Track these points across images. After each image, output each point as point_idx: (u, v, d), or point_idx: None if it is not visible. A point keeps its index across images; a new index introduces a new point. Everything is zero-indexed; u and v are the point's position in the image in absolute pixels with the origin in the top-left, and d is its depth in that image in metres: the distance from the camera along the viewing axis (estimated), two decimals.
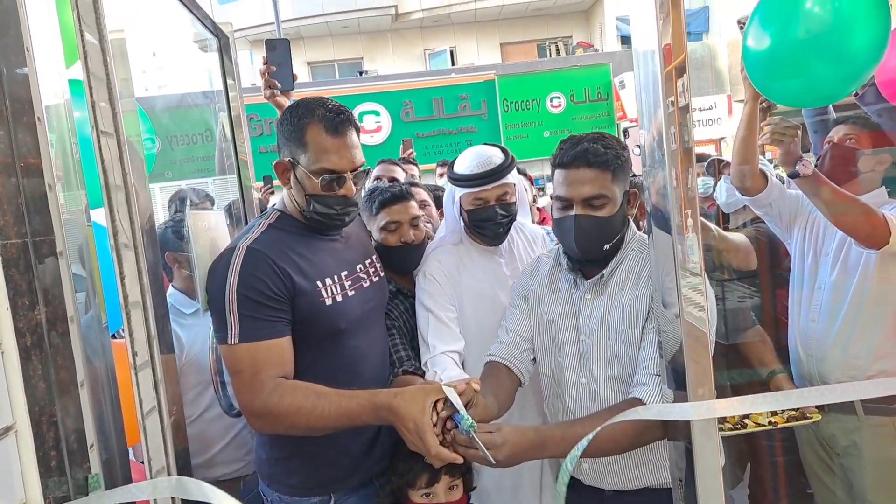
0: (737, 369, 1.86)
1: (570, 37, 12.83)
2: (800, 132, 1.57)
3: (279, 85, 1.66)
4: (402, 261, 1.65)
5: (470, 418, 1.12)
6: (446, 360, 1.50)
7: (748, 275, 2.05)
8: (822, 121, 1.87)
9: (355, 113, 8.25)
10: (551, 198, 1.41)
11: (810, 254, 1.75)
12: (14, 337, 0.91)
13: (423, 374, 1.51)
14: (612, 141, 1.31)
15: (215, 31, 1.67)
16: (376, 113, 11.28)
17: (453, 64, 12.51)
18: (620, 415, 1.10)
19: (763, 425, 1.61)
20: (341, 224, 1.39)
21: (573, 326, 1.37)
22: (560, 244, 1.41)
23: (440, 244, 1.70)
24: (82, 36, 1.01)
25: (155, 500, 0.97)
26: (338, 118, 1.28)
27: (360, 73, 12.36)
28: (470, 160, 1.60)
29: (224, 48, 1.71)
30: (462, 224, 1.67)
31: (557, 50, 12.50)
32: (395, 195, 1.65)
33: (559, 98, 11.60)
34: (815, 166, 1.63)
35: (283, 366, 1.23)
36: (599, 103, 11.54)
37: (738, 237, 1.98)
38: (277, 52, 1.63)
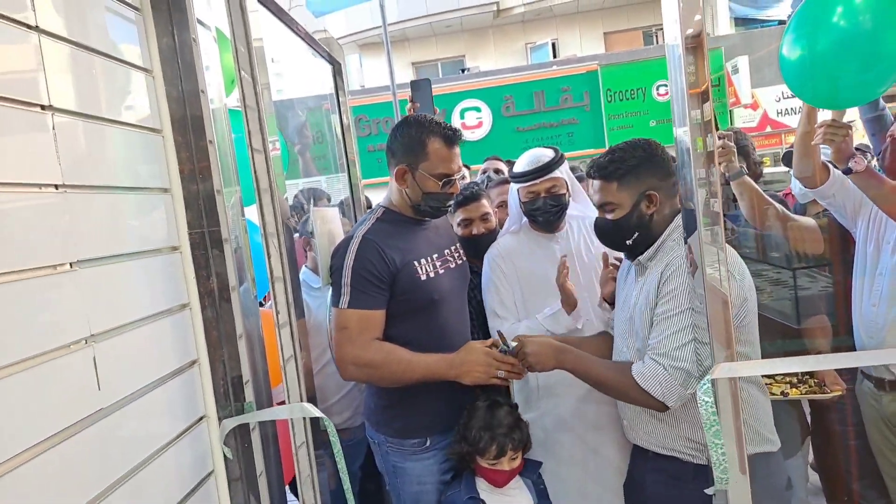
0: (793, 352, 1.97)
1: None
2: (852, 132, 1.68)
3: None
4: (474, 249, 1.96)
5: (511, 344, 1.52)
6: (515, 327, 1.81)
7: (821, 263, 2.14)
8: (878, 117, 1.93)
9: (457, 110, 8.70)
10: None
11: (872, 242, 1.83)
12: (198, 298, 1.29)
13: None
14: (627, 151, 1.49)
15: (330, 59, 2.03)
16: (477, 109, 11.57)
17: (555, 56, 12.55)
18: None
19: (776, 395, 1.73)
20: (444, 213, 1.74)
21: (624, 296, 1.59)
22: None
23: (504, 233, 1.98)
24: (240, 74, 1.37)
25: (291, 419, 1.33)
26: (454, 134, 1.61)
27: (463, 71, 12.71)
28: (524, 160, 1.90)
29: (337, 72, 2.08)
30: (522, 214, 1.94)
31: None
32: (466, 197, 1.98)
33: (667, 86, 11.23)
34: (878, 160, 1.72)
35: (377, 331, 1.56)
36: (711, 89, 11.18)
37: (806, 221, 2.07)
38: (420, 91, 2.03)
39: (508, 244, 1.92)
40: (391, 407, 1.71)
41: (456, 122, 11.51)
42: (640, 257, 1.52)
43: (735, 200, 2.20)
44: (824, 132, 1.68)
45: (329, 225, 1.80)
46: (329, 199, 2.54)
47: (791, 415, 1.97)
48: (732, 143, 2.10)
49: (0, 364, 0.80)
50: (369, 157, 11.21)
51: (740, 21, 11.91)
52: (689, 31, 1.25)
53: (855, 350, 1.92)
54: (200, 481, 1.24)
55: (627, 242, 1.51)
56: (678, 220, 1.54)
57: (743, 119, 10.85)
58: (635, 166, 1.47)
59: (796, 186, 2.19)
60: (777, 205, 2.11)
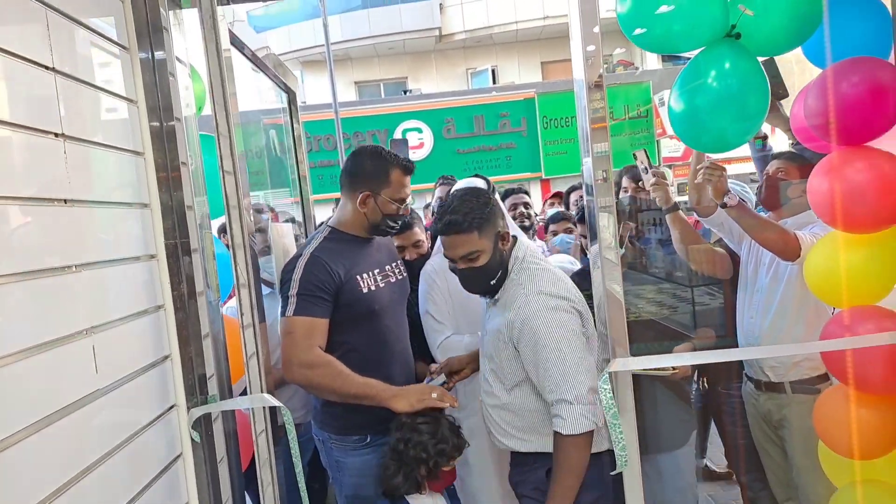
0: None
1: (611, 55, 13.23)
2: (725, 173, 2.04)
3: None
4: (409, 271, 2.16)
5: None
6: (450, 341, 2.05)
7: (714, 281, 2.50)
8: (763, 157, 2.32)
9: (399, 130, 8.97)
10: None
11: (752, 263, 2.19)
12: (171, 301, 1.48)
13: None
14: (472, 203, 1.61)
15: (286, 88, 2.26)
16: (419, 130, 11.90)
17: (494, 83, 13.08)
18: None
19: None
20: (395, 232, 1.99)
21: (483, 324, 1.78)
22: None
23: (437, 252, 2.16)
24: (214, 107, 1.58)
25: (252, 409, 1.52)
26: (411, 165, 1.86)
27: (405, 92, 13.03)
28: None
29: (292, 100, 2.30)
30: None
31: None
32: (401, 226, 2.17)
33: None
34: (756, 194, 2.09)
35: (321, 339, 1.73)
36: (639, 120, 11.92)
37: (720, 251, 2.41)
38: (400, 147, 2.23)
39: (440, 263, 2.11)
40: (332, 405, 1.90)
41: None
42: (497, 294, 1.67)
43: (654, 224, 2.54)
44: (703, 173, 2.04)
45: (284, 239, 2.01)
46: (276, 215, 2.73)
47: (679, 412, 2.28)
48: (666, 179, 2.38)
49: (20, 347, 0.98)
50: (310, 173, 11.32)
51: (667, 57, 12.77)
52: (591, 74, 1.56)
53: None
54: (171, 462, 1.42)
55: (492, 283, 1.65)
56: (515, 249, 1.69)
57: (669, 149, 11.64)
58: (487, 212, 1.62)
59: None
60: (700, 237, 2.42)
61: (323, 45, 11.39)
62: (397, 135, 11.82)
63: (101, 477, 1.14)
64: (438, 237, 1.95)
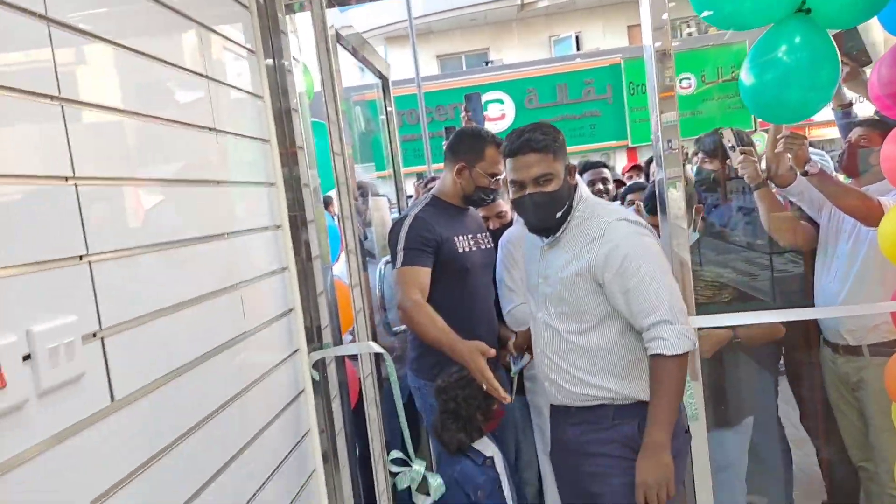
0: None
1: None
2: (806, 141, 2.09)
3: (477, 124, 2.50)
4: (493, 239, 2.36)
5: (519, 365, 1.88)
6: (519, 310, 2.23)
7: (795, 249, 2.56)
8: (847, 124, 2.33)
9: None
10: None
11: (832, 231, 2.25)
12: (293, 263, 1.78)
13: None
14: (548, 129, 1.64)
15: (380, 75, 2.51)
16: (500, 101, 11.97)
17: (578, 49, 12.87)
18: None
19: None
20: (488, 203, 2.22)
21: (537, 273, 1.73)
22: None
23: (516, 222, 2.33)
24: (325, 98, 1.85)
25: (360, 354, 1.81)
26: (504, 144, 2.06)
27: (486, 63, 13.08)
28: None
29: (385, 86, 2.55)
30: None
31: (689, 30, 12.41)
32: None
33: (689, 79, 11.43)
34: (836, 162, 2.14)
35: (425, 285, 1.98)
36: (732, 83, 11.40)
37: (807, 225, 2.42)
38: (472, 103, 2.47)
39: (516, 232, 2.31)
40: (428, 355, 2.17)
41: None
42: (558, 233, 1.65)
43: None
44: (784, 143, 2.11)
45: (381, 212, 2.29)
46: (377, 191, 3.04)
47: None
48: (754, 156, 2.30)
49: (195, 295, 1.28)
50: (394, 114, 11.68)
51: None
52: (658, 44, 1.70)
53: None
54: (296, 396, 1.73)
55: (557, 215, 1.61)
56: (579, 189, 1.69)
57: None
58: (560, 140, 1.64)
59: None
60: (788, 213, 2.45)
61: (405, 21, 11.63)
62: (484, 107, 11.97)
63: (245, 403, 1.44)
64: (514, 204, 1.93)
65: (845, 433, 2.41)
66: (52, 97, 0.94)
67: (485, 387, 1.72)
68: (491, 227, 2.48)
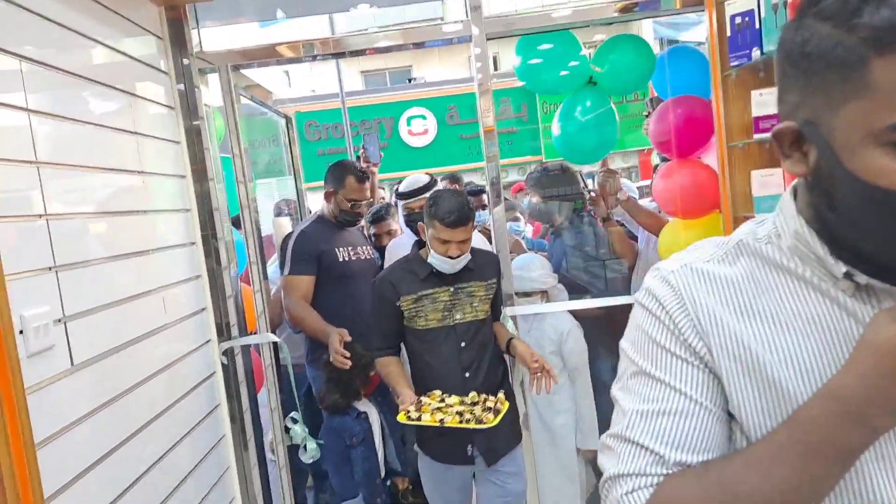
0: None
1: None
2: (618, 176, 2.79)
3: (371, 160, 3.04)
4: (383, 254, 2.95)
5: None
6: None
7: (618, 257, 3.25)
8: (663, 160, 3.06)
9: (403, 117, 9.94)
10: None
11: (644, 241, 2.95)
12: (205, 272, 2.27)
13: None
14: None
15: (281, 114, 3.03)
16: (423, 117, 12.60)
17: (496, 69, 13.68)
18: None
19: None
20: (354, 224, 2.76)
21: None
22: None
23: (400, 238, 2.95)
24: (231, 139, 2.36)
25: (261, 345, 2.32)
26: (363, 175, 2.62)
27: (409, 80, 13.71)
28: (406, 183, 2.87)
29: (289, 124, 3.08)
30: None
31: None
32: (376, 218, 2.98)
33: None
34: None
35: (308, 291, 2.56)
36: (637, 103, 12.51)
37: (632, 242, 3.13)
38: (368, 140, 3.01)
39: (401, 241, 2.89)
40: (318, 349, 2.70)
41: (403, 129, 12.54)
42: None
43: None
44: (602, 177, 2.78)
45: (282, 229, 2.81)
46: (280, 212, 3.55)
47: None
48: (600, 195, 3.03)
49: (129, 294, 1.76)
50: (319, 161, 12.10)
51: (665, 42, 13.28)
52: (480, 78, 2.32)
53: None
54: (208, 377, 2.22)
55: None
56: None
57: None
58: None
59: None
60: (620, 229, 3.15)
61: (329, 37, 12.02)
62: (402, 122, 12.57)
63: (168, 377, 1.93)
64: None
65: None
66: (30, 162, 1.43)
67: (331, 358, 2.32)
68: (382, 242, 3.04)
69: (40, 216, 1.44)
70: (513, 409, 2.19)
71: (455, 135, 12.65)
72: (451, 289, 2.17)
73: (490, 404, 1.99)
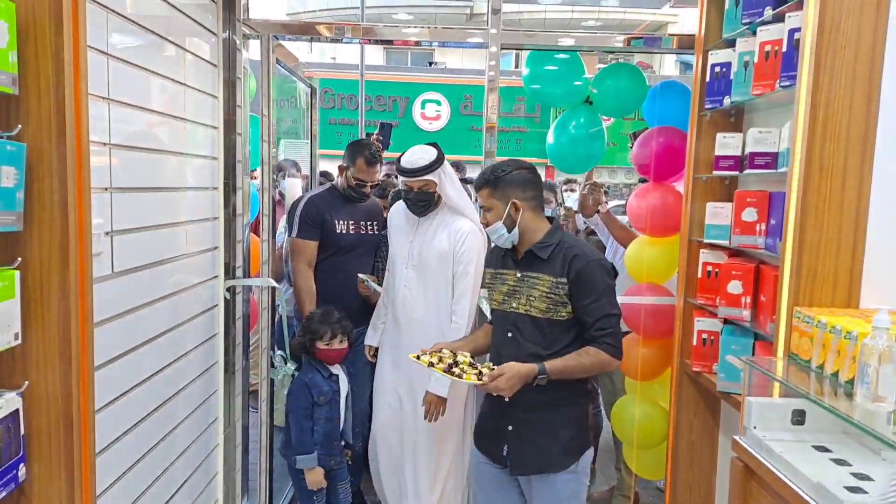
0: None
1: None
2: (602, 188, 3.12)
3: (381, 146, 3.30)
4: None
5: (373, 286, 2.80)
6: None
7: None
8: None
9: (419, 100, 10.35)
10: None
11: (611, 251, 3.28)
12: (222, 216, 2.59)
13: None
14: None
15: (308, 84, 3.34)
16: (438, 102, 12.89)
17: (516, 67, 13.95)
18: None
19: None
20: (361, 201, 3.03)
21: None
22: None
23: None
24: (262, 104, 2.67)
25: (261, 287, 2.65)
26: (373, 158, 2.91)
27: (430, 64, 13.95)
28: (407, 155, 2.63)
29: (313, 93, 3.38)
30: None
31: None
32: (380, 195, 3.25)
33: None
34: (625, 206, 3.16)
35: (311, 255, 2.88)
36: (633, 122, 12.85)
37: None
38: (384, 129, 3.27)
39: (401, 206, 2.82)
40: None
41: (416, 111, 12.82)
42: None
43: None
44: (587, 187, 3.11)
45: (293, 189, 3.13)
46: (298, 168, 3.85)
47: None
48: (569, 212, 3.37)
49: (161, 222, 2.08)
50: (330, 129, 12.36)
51: (685, 65, 13.59)
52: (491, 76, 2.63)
53: None
54: (211, 307, 2.54)
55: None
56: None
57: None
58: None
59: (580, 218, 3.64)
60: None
61: (357, 8, 12.29)
62: (417, 104, 12.85)
63: (182, 299, 2.25)
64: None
65: (605, 393, 3.46)
66: (104, 98, 1.74)
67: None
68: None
69: (104, 144, 1.75)
70: (558, 435, 2.05)
71: (467, 125, 12.93)
72: (519, 274, 2.09)
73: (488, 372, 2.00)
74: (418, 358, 2.12)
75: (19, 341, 1.29)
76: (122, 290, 1.85)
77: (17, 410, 1.30)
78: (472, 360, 2.13)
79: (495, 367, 2.01)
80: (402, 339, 2.73)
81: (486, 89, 2.71)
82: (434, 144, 2.67)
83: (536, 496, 2.08)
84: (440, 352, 2.15)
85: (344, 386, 2.75)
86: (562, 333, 2.04)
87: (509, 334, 2.10)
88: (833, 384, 1.60)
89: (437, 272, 2.67)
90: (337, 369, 2.74)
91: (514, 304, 2.09)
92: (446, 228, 2.67)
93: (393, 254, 2.83)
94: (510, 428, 2.09)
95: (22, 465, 1.32)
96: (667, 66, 13.73)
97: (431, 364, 2.07)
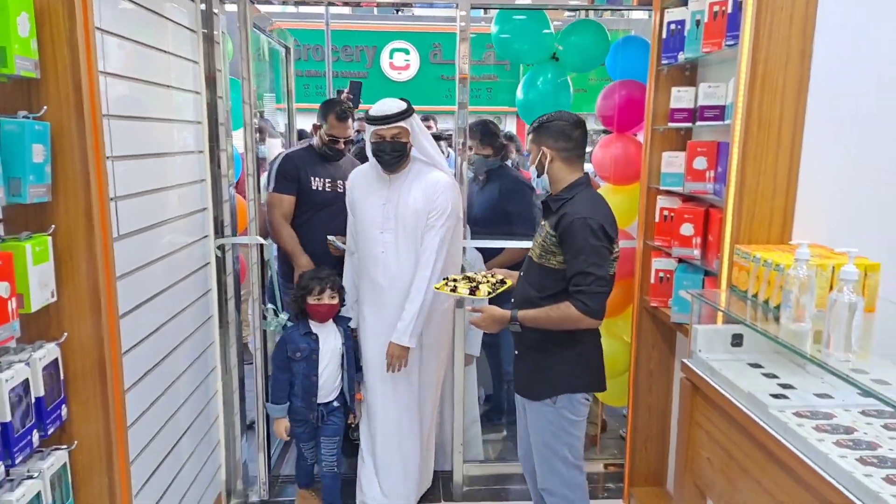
0: None
1: None
2: None
3: (351, 105, 3.37)
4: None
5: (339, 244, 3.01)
6: None
7: None
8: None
9: (386, 49, 10.31)
10: None
11: None
12: (209, 177, 2.74)
13: None
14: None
15: (282, 44, 3.43)
16: (406, 51, 12.80)
17: (486, 13, 13.83)
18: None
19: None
20: (335, 158, 3.15)
21: None
22: None
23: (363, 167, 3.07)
24: (241, 67, 2.79)
25: (249, 245, 2.83)
26: (343, 113, 3.04)
27: (397, 11, 13.74)
28: (377, 106, 2.62)
29: (287, 52, 3.48)
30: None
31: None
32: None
33: None
34: None
35: (288, 209, 3.04)
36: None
37: None
38: (353, 87, 3.35)
39: (362, 170, 2.83)
40: (286, 264, 3.20)
41: (385, 61, 12.73)
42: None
43: None
44: None
45: (275, 149, 3.27)
46: (273, 127, 3.97)
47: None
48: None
49: (155, 186, 2.23)
50: (297, 82, 12.24)
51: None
52: (462, 26, 2.80)
53: None
54: (203, 265, 2.72)
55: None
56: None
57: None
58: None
59: None
60: None
61: None
62: (385, 53, 12.75)
63: (177, 259, 2.43)
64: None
65: None
66: (102, 72, 1.87)
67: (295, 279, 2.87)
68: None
69: (104, 116, 1.89)
70: (541, 369, 2.25)
71: (437, 74, 12.88)
72: (545, 222, 2.24)
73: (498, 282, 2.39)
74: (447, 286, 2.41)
75: (55, 298, 1.47)
76: (125, 253, 2.02)
77: (56, 359, 1.49)
78: (497, 280, 2.43)
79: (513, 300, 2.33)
80: (385, 302, 2.72)
81: (458, 39, 2.83)
82: (404, 100, 2.68)
83: (527, 416, 2.36)
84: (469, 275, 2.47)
85: (328, 344, 2.77)
86: (551, 281, 2.18)
87: (522, 273, 2.35)
88: (765, 310, 1.87)
89: (414, 230, 2.65)
90: (318, 328, 2.77)
91: (531, 247, 2.31)
92: (420, 184, 2.66)
93: (362, 221, 2.75)
94: (516, 353, 2.37)
95: (63, 405, 1.53)
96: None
97: (453, 290, 2.37)
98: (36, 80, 1.40)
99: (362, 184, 2.78)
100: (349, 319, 2.88)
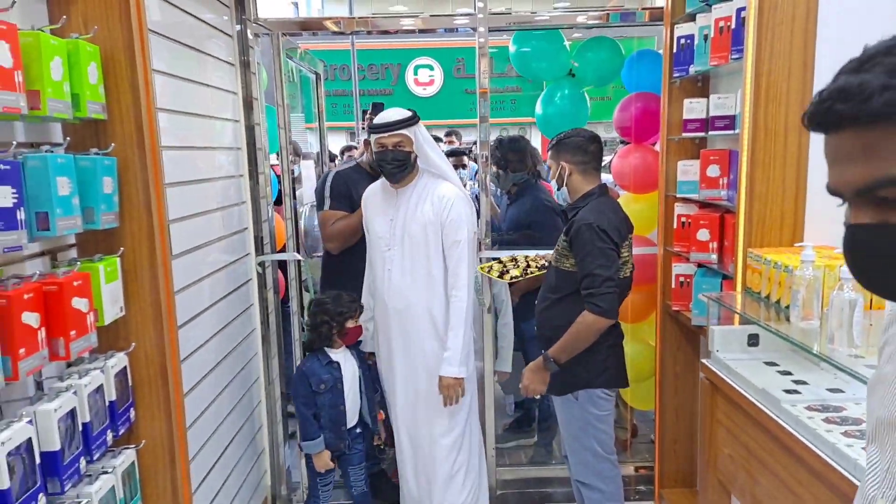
0: None
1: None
2: None
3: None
4: None
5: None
6: None
7: None
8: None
9: (411, 65, 10.62)
10: None
11: None
12: (249, 200, 2.94)
13: None
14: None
15: (312, 71, 3.65)
16: (430, 67, 13.07)
17: None
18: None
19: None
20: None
21: None
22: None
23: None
24: (276, 95, 3.00)
25: (288, 261, 3.02)
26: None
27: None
28: (380, 116, 2.57)
29: (318, 80, 3.70)
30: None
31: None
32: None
33: None
34: None
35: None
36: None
37: None
38: (375, 109, 3.52)
39: (375, 187, 2.79)
40: (327, 284, 3.35)
41: (409, 77, 13.01)
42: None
43: None
44: None
45: (309, 170, 3.47)
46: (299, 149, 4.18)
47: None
48: None
49: (203, 209, 2.43)
50: (325, 102, 12.58)
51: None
52: (481, 42, 2.97)
53: None
54: (246, 281, 2.92)
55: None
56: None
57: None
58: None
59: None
60: None
61: (355, 17, 12.36)
62: (409, 70, 13.04)
63: (222, 276, 2.62)
64: None
65: None
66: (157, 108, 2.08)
67: None
68: None
69: (160, 147, 2.10)
70: (563, 368, 2.32)
71: (461, 88, 13.10)
72: (565, 228, 2.38)
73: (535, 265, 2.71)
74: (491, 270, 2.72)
75: (123, 312, 1.67)
76: (178, 271, 2.22)
77: (125, 367, 1.68)
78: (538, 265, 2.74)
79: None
80: (392, 328, 2.63)
81: (477, 55, 2.99)
82: (411, 110, 2.64)
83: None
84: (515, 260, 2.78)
85: (348, 371, 2.68)
86: (565, 283, 2.33)
87: (546, 277, 2.51)
88: (777, 310, 1.98)
89: (423, 245, 2.55)
90: (337, 355, 2.67)
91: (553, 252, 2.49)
92: (429, 196, 2.57)
93: (372, 237, 2.70)
94: (542, 352, 2.42)
95: (132, 408, 1.71)
96: None
97: (500, 275, 2.73)
98: (104, 120, 1.60)
99: (374, 200, 2.74)
100: (360, 343, 2.80)
